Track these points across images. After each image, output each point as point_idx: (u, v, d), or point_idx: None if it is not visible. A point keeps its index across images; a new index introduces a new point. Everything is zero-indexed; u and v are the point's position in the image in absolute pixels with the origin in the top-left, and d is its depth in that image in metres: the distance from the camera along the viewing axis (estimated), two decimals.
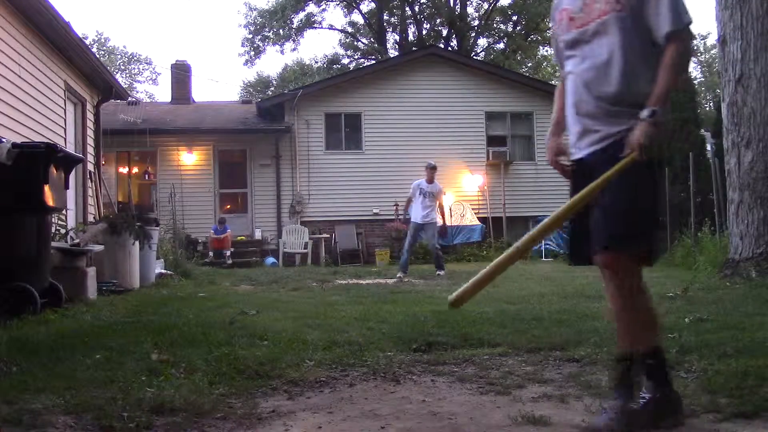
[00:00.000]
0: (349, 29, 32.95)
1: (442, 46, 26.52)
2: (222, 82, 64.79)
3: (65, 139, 9.20)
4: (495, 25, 30.64)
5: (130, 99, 17.95)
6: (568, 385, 2.85)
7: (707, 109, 26.23)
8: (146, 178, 16.96)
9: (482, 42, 31.03)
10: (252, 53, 31.49)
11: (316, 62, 36.08)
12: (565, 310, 5.09)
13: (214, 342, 3.68)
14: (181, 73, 20.26)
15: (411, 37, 30.56)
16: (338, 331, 4.18)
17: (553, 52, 2.87)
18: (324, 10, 31.54)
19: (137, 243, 7.35)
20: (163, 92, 55.31)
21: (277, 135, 15.89)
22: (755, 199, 7.24)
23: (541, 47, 30.86)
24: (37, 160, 4.97)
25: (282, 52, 47.65)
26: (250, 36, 31.13)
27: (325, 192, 15.68)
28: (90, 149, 10.61)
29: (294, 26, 30.84)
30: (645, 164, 2.16)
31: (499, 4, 29.34)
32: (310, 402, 2.69)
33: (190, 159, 15.85)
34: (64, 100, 9.34)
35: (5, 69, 7.30)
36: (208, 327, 4.21)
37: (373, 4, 30.95)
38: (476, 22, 30.22)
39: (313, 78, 28.85)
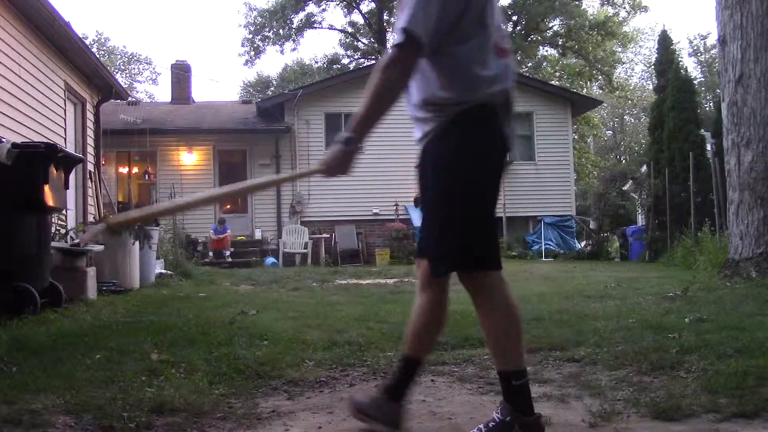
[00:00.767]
0: (349, 29, 32.95)
1: None
2: (222, 82, 64.82)
3: (65, 139, 9.20)
4: None
5: (130, 99, 17.95)
6: (568, 385, 2.85)
7: (707, 109, 26.23)
8: (146, 178, 16.97)
9: None
10: (252, 53, 31.48)
11: (316, 62, 36.11)
12: (565, 310, 5.09)
13: (214, 342, 3.68)
14: (181, 73, 20.26)
15: None
16: (338, 331, 4.18)
17: None
18: (324, 10, 31.52)
19: (137, 243, 7.35)
20: (163, 92, 55.39)
21: (277, 135, 15.89)
22: (755, 199, 7.24)
23: (541, 47, 30.87)
24: (37, 160, 4.97)
25: (282, 52, 47.55)
26: (250, 36, 31.11)
27: (325, 192, 15.68)
28: (90, 149, 10.61)
29: (294, 26, 30.81)
30: (452, 172, 1.99)
31: (499, 4, 29.34)
32: (310, 402, 2.69)
33: (189, 159, 15.85)
34: (64, 100, 9.34)
35: (5, 69, 7.30)
36: (208, 327, 4.21)
37: (373, 4, 30.93)
38: None
39: (313, 78, 28.84)
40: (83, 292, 5.89)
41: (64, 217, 7.74)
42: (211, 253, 14.54)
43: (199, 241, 14.80)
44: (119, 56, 40.05)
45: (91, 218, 9.78)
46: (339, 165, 1.99)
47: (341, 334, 4.01)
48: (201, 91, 61.27)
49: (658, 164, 14.23)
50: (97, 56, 10.95)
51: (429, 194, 2.10)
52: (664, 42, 16.46)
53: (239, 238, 15.44)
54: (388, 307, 5.53)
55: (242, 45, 31.94)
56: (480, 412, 2.49)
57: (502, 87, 2.13)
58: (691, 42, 40.92)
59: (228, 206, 16.43)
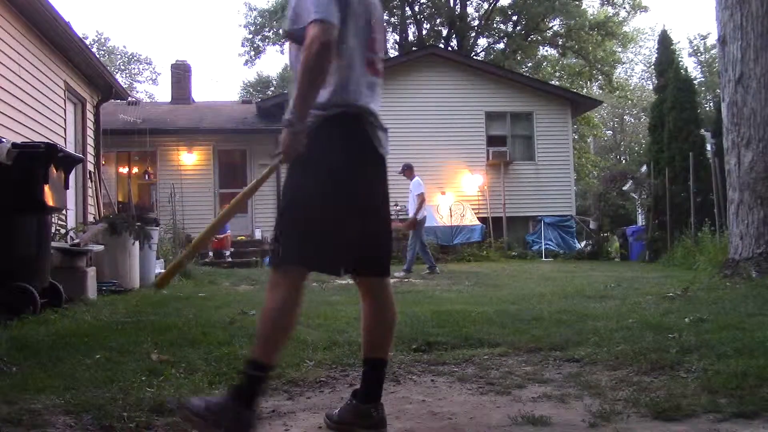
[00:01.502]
0: None
1: (442, 46, 26.50)
2: (222, 82, 64.78)
3: (65, 139, 9.20)
4: (495, 25, 30.59)
5: (130, 99, 17.95)
6: (568, 385, 2.85)
7: (707, 109, 26.23)
8: (146, 178, 16.96)
9: (482, 42, 30.99)
10: (252, 53, 31.43)
11: None
12: (565, 310, 5.09)
13: (214, 342, 3.68)
14: (180, 73, 20.25)
15: (411, 37, 30.51)
16: (338, 331, 4.17)
17: None
18: None
19: (137, 243, 7.35)
20: (163, 92, 55.36)
21: (277, 135, 15.65)
22: (755, 199, 7.24)
23: (541, 47, 30.85)
24: (37, 160, 4.97)
25: (282, 52, 47.15)
26: (250, 36, 31.06)
27: None
28: (90, 149, 10.61)
29: None
30: (297, 165, 2.14)
31: (499, 4, 29.30)
32: (310, 402, 2.69)
33: (189, 159, 15.84)
34: (64, 100, 9.34)
35: (5, 69, 7.30)
36: (208, 327, 4.21)
37: None
38: (476, 22, 30.19)
39: None
40: (83, 292, 5.89)
41: (64, 217, 7.74)
42: (211, 253, 14.54)
43: None
44: (119, 56, 40.07)
45: (91, 218, 9.78)
46: (291, 147, 2.09)
47: (341, 334, 4.01)
48: (201, 91, 61.18)
49: (658, 164, 14.23)
50: (97, 56, 10.95)
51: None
52: (664, 42, 16.46)
53: (239, 238, 15.43)
54: None
55: (242, 45, 31.88)
56: (480, 412, 2.50)
57: (367, 101, 2.20)
58: (691, 42, 40.94)
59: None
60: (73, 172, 6.39)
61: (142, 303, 5.94)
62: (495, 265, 12.40)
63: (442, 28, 30.50)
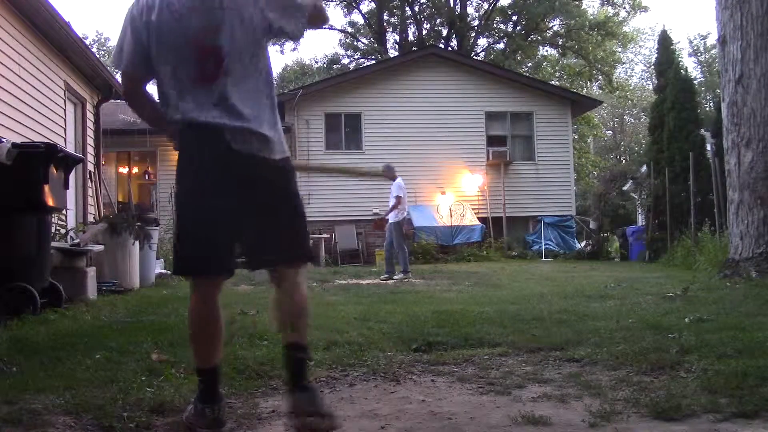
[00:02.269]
0: (349, 29, 32.90)
1: (442, 46, 26.50)
2: None
3: (65, 139, 9.19)
4: (495, 25, 30.60)
5: None
6: (568, 385, 2.85)
7: (707, 109, 26.21)
8: (146, 178, 16.96)
9: (482, 42, 31.01)
10: None
11: (316, 62, 36.06)
12: (565, 310, 5.09)
13: None
14: None
15: (411, 37, 30.53)
16: (338, 331, 4.17)
17: None
18: None
19: (137, 243, 7.35)
20: None
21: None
22: (755, 199, 7.24)
23: (541, 47, 30.86)
24: (37, 160, 4.97)
25: (282, 52, 47.28)
26: None
27: (325, 192, 15.65)
28: (90, 149, 10.60)
29: None
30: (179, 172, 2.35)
31: (499, 4, 29.31)
32: None
33: None
34: (64, 100, 9.33)
35: (5, 69, 7.30)
36: None
37: (373, 4, 30.91)
38: (476, 22, 30.19)
39: (313, 78, 28.83)
40: (83, 292, 5.89)
41: (64, 217, 7.73)
42: None
43: None
44: None
45: (91, 218, 9.77)
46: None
47: (341, 334, 4.01)
48: None
49: (658, 164, 14.23)
50: (97, 56, 10.93)
51: None
52: (664, 42, 16.45)
53: None
54: (388, 307, 5.53)
55: None
56: (480, 412, 2.50)
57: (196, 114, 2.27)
58: (691, 42, 40.97)
59: None
60: (73, 172, 6.39)
61: (142, 303, 5.94)
62: (495, 265, 12.40)
63: (442, 28, 30.51)
